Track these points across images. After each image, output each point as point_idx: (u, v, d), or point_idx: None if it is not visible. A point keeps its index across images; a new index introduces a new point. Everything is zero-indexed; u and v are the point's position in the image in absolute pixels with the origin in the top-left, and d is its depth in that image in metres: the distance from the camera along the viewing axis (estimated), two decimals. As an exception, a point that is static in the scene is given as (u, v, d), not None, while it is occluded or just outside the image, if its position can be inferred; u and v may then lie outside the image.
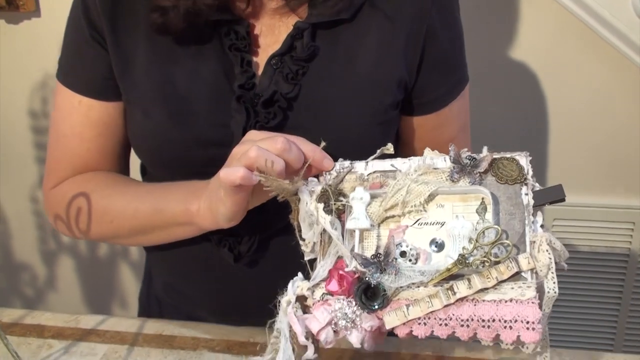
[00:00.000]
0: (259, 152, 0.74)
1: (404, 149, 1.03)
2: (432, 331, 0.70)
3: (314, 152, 0.78)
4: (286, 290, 0.75)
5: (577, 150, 1.65)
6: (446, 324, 0.69)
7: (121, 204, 0.95)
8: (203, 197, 0.85)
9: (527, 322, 0.66)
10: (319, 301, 0.73)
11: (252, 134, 0.81)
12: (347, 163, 0.78)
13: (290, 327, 0.73)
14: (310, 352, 0.74)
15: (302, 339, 0.73)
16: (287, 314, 0.73)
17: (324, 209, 0.74)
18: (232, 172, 0.75)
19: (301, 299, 0.75)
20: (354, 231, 0.74)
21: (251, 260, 0.99)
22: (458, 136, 1.01)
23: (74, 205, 0.97)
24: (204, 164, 0.91)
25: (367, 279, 0.71)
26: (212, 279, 1.03)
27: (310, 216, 0.76)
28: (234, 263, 0.98)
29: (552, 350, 0.73)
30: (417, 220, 0.74)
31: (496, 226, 0.69)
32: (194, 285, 1.08)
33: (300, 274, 0.76)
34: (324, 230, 0.75)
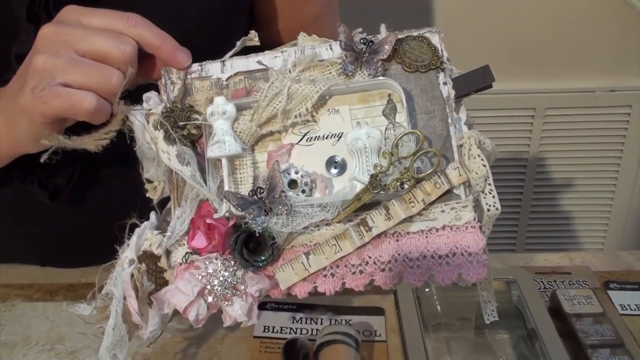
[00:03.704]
0: (117, 78, 0.50)
1: (263, 33, 0.80)
2: (344, 283, 0.51)
3: (162, 41, 0.53)
4: (129, 240, 0.52)
5: (476, 35, 1.49)
6: (361, 271, 0.51)
7: None
8: None
9: (469, 254, 0.50)
10: (181, 265, 0.52)
11: (72, 12, 0.54)
12: (194, 64, 0.55)
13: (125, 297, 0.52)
14: (147, 332, 0.53)
15: (136, 319, 0.52)
16: (124, 278, 0.52)
17: (165, 138, 0.51)
18: (80, 101, 0.50)
19: (152, 258, 0.53)
20: (220, 160, 0.52)
21: (77, 197, 0.75)
22: (325, 11, 0.80)
23: None
24: None
25: (247, 225, 0.50)
26: (29, 225, 0.80)
27: (150, 149, 0.53)
28: (49, 202, 0.72)
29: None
30: (305, 134, 0.53)
31: (416, 130, 0.51)
32: (8, 235, 0.83)
33: (153, 217, 0.54)
34: (174, 165, 0.53)
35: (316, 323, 0.72)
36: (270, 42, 0.80)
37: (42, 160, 0.52)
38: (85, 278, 0.80)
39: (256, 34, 0.57)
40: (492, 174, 0.53)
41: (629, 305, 0.75)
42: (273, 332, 0.71)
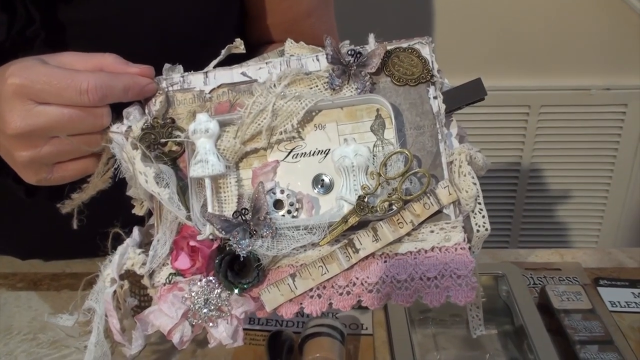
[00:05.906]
0: (104, 138, 0.51)
1: (254, 28, 0.77)
2: (330, 303, 0.50)
3: (127, 91, 0.51)
4: (111, 257, 0.51)
5: (472, 32, 1.46)
6: (349, 292, 0.50)
7: None
8: None
9: (458, 277, 0.49)
10: (165, 285, 0.51)
11: (24, 96, 0.50)
12: (176, 75, 0.53)
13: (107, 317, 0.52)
14: (130, 351, 0.52)
15: (118, 338, 0.52)
16: (105, 298, 0.51)
17: (142, 158, 0.49)
18: (84, 170, 0.53)
19: (135, 275, 0.52)
20: (203, 180, 0.50)
21: (55, 192, 0.73)
22: (318, 7, 0.77)
23: None
24: None
25: (231, 247, 0.49)
26: (7, 220, 0.78)
27: (128, 169, 0.51)
28: (26, 198, 0.69)
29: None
30: (291, 151, 0.52)
31: (404, 149, 0.49)
32: None
33: (136, 232, 0.53)
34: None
35: (302, 315, 0.71)
36: (260, 37, 0.78)
37: (74, 226, 0.54)
38: (69, 268, 0.80)
39: (242, 41, 0.55)
40: (486, 172, 0.53)
41: (618, 302, 0.74)
42: (258, 324, 0.70)
